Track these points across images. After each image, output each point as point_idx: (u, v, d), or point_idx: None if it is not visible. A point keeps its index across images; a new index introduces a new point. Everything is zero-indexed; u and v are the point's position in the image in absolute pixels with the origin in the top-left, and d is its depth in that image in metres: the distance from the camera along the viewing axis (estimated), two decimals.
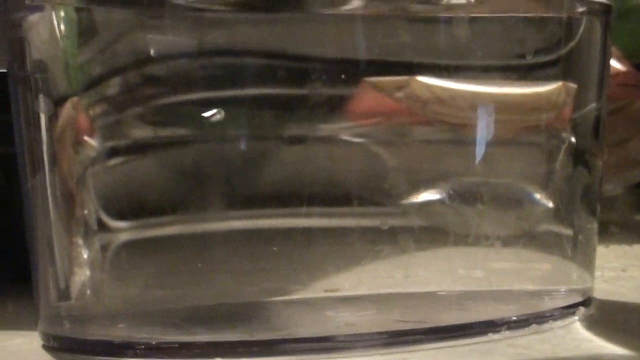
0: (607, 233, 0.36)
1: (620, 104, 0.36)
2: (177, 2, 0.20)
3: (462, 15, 0.21)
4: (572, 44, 0.22)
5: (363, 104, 0.20)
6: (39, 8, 0.21)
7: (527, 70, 0.22)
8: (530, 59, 0.22)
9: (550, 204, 0.23)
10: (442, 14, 0.21)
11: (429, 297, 0.22)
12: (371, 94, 0.21)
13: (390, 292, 0.21)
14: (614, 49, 0.37)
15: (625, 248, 0.33)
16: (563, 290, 0.23)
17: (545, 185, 0.23)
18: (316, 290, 0.20)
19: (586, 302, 0.23)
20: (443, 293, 0.22)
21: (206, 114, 0.19)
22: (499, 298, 0.22)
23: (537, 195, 0.22)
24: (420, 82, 0.21)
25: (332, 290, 0.21)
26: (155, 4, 0.20)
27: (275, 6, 0.20)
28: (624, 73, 0.36)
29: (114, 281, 0.21)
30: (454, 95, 0.21)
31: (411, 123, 0.21)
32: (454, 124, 0.21)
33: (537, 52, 0.22)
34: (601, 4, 0.23)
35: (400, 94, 0.21)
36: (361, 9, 0.20)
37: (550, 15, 0.22)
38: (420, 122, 0.21)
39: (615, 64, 0.37)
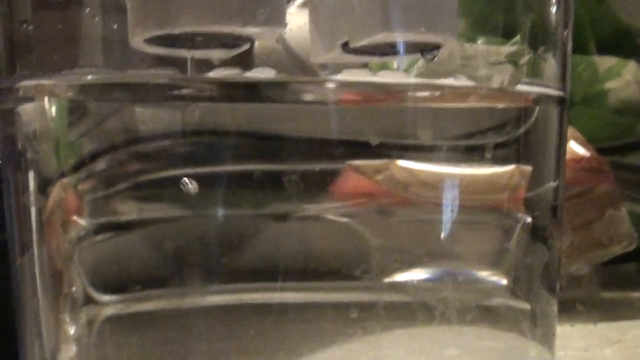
0: (573, 311, 0.37)
1: (584, 188, 0.37)
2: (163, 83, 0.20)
3: (424, 105, 0.22)
4: (527, 128, 0.23)
5: (345, 186, 0.21)
6: (31, 98, 0.22)
7: (484, 154, 0.22)
8: (486, 144, 0.22)
9: (508, 284, 0.23)
10: (409, 104, 0.22)
11: None
12: (353, 177, 0.21)
13: None
14: (577, 134, 0.39)
15: (590, 327, 0.33)
16: None
17: (502, 265, 0.23)
18: None
19: None
20: None
21: (183, 185, 0.20)
22: None
23: (496, 275, 0.23)
24: (399, 166, 0.21)
25: None
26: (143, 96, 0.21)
27: (255, 98, 0.21)
28: (587, 158, 0.38)
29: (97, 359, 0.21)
30: (430, 177, 0.22)
31: (389, 204, 0.22)
32: (429, 204, 0.22)
33: (492, 137, 0.22)
34: (555, 96, 0.24)
35: (380, 177, 0.21)
36: (331, 97, 0.21)
37: (504, 107, 0.23)
38: (397, 203, 0.22)
39: (578, 149, 0.38)
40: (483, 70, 0.22)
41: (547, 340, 0.24)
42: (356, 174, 0.21)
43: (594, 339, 0.31)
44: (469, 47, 0.22)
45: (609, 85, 0.46)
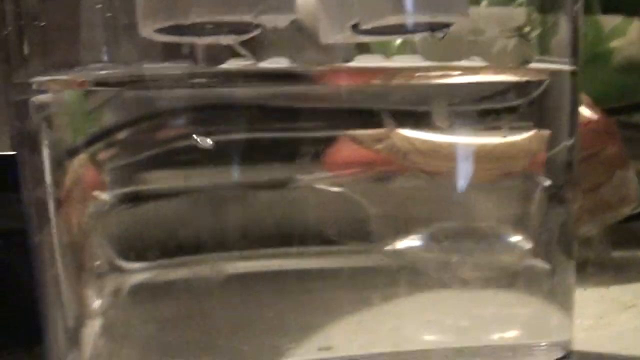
0: (585, 273, 0.36)
1: (592, 151, 0.37)
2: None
3: (442, 81, 0.22)
4: (539, 99, 0.23)
5: (342, 155, 0.21)
6: (45, 91, 0.22)
7: (502, 122, 0.23)
8: (505, 111, 0.22)
9: (528, 248, 0.23)
10: (422, 82, 0.22)
11: (415, 356, 0.22)
12: (350, 146, 0.21)
13: (380, 352, 0.22)
14: (585, 97, 0.39)
15: (602, 291, 0.33)
16: (544, 344, 0.23)
17: (520, 230, 0.23)
18: (310, 348, 0.21)
19: (567, 357, 0.23)
20: (431, 350, 0.22)
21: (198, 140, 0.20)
22: (482, 354, 0.22)
23: (517, 240, 0.23)
24: (400, 134, 0.21)
25: (325, 349, 0.21)
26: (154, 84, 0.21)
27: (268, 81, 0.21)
28: (595, 121, 0.38)
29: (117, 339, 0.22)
30: (434, 146, 0.22)
31: (391, 172, 0.22)
32: (434, 172, 0.22)
33: (510, 103, 0.23)
34: (566, 70, 0.24)
35: (380, 146, 0.21)
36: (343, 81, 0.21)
37: (515, 81, 0.23)
38: (400, 171, 0.22)
39: (586, 112, 0.38)
40: (495, 48, 0.22)
41: (565, 305, 0.24)
42: (354, 143, 0.21)
43: (608, 304, 0.31)
44: (475, 10, 0.22)
45: (614, 44, 0.45)
